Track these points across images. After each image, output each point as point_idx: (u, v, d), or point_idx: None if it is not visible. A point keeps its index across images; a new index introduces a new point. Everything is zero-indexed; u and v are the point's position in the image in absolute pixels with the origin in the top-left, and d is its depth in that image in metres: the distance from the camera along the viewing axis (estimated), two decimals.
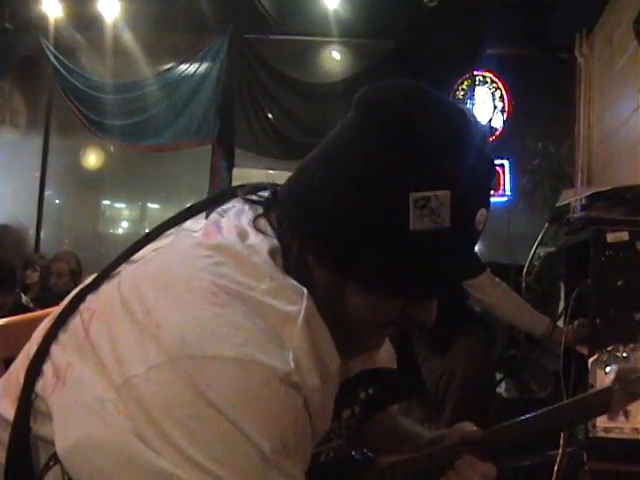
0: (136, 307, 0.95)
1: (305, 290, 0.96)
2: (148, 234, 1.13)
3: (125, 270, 1.07)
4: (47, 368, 1.03)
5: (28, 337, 1.33)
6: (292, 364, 0.89)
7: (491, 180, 1.04)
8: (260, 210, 1.08)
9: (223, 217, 1.08)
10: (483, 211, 1.01)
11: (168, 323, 0.91)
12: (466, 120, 1.02)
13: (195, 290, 0.93)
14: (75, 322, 1.06)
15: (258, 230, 1.04)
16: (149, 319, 0.93)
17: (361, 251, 0.99)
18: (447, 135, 0.99)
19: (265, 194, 1.12)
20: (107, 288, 1.07)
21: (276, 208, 1.07)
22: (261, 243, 1.01)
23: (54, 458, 0.96)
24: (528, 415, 1.23)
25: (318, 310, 0.97)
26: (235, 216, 1.08)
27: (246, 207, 1.10)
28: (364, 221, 0.98)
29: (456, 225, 0.97)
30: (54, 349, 1.05)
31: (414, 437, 1.35)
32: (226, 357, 0.88)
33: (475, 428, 1.25)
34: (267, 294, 0.94)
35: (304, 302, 0.95)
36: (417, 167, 0.97)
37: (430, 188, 0.95)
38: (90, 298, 1.07)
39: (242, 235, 1.03)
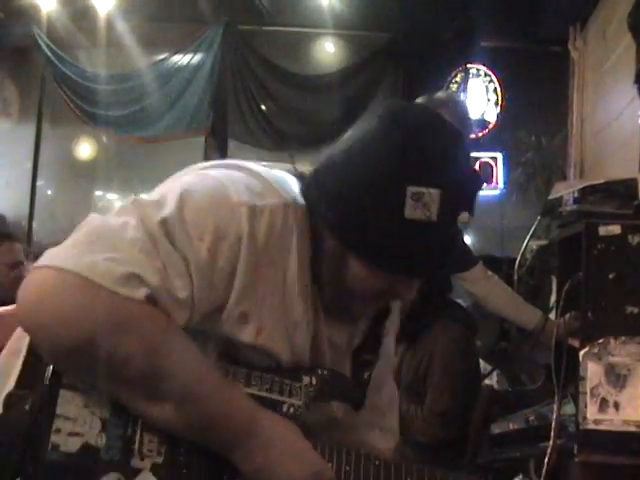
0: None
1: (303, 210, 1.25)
2: None
3: None
4: None
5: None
6: (251, 207, 1.17)
7: (475, 191, 1.27)
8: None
9: None
10: (465, 214, 1.23)
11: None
12: (462, 141, 1.27)
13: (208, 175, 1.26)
14: None
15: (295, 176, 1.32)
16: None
17: (364, 229, 1.21)
18: (445, 149, 1.23)
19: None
20: None
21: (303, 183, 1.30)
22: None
23: None
24: None
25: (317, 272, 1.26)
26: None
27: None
28: (370, 205, 1.19)
29: (442, 220, 1.19)
30: None
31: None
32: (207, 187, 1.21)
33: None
34: (276, 184, 1.25)
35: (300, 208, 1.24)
36: (417, 167, 1.19)
37: (425, 185, 1.17)
38: None
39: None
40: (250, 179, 1.24)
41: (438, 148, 1.22)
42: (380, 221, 1.19)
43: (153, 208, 1.15)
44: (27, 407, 1.11)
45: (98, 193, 8.53)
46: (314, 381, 1.28)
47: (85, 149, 8.09)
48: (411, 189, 1.17)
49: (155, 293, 1.09)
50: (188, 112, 7.14)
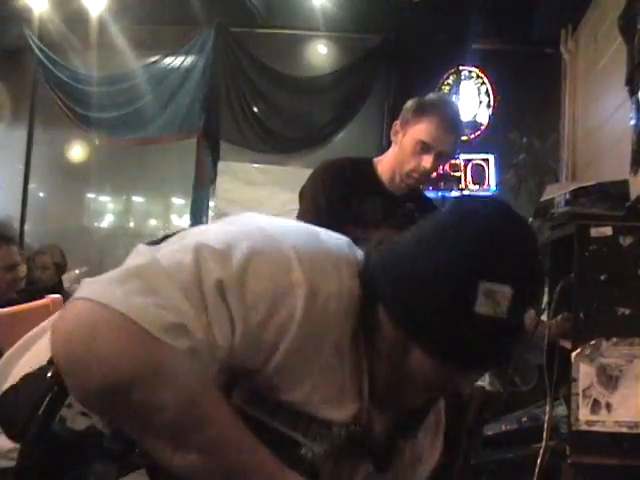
0: None
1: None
2: None
3: None
4: None
5: (18, 329, 1.34)
6: (310, 288, 1.16)
7: (542, 287, 1.29)
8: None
9: None
10: (532, 311, 1.26)
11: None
12: (534, 237, 1.28)
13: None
14: None
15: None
16: None
17: (431, 321, 1.19)
18: (520, 246, 1.22)
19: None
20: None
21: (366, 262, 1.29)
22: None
23: None
24: None
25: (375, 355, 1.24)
26: None
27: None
28: (440, 297, 1.18)
29: (511, 317, 1.18)
30: None
31: None
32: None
33: None
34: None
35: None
36: (492, 264, 1.19)
37: (499, 282, 1.17)
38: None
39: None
40: (317, 251, 1.23)
41: (513, 245, 1.21)
42: (448, 314, 1.18)
43: (215, 262, 1.13)
44: (49, 374, 1.13)
45: (90, 195, 8.49)
46: (343, 433, 1.25)
47: (77, 151, 8.07)
48: (484, 285, 1.16)
49: (197, 346, 1.08)
50: (180, 114, 7.13)
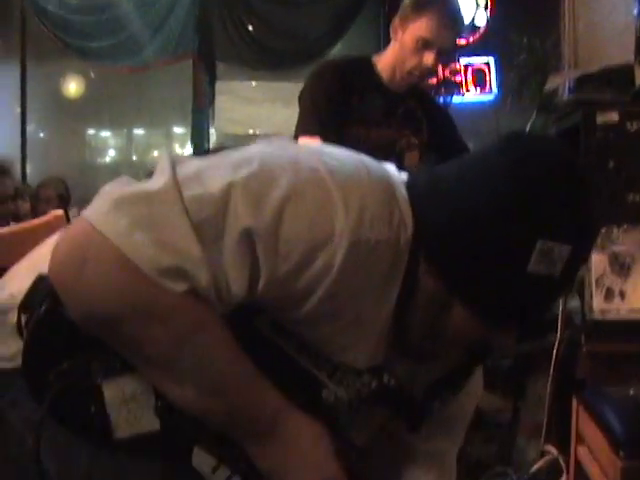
0: None
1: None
2: None
3: None
4: None
5: (21, 247, 1.33)
6: (354, 242, 1.05)
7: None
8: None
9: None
10: (582, 269, 1.16)
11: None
12: (591, 189, 1.15)
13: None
14: None
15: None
16: None
17: (478, 277, 1.10)
18: (581, 202, 1.11)
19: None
20: None
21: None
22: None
23: None
24: None
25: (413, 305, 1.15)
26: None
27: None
28: (490, 252, 1.09)
29: (564, 277, 1.09)
30: None
31: None
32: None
33: None
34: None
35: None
36: (554, 220, 1.08)
37: (558, 241, 1.07)
38: None
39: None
40: (368, 190, 1.10)
41: (577, 200, 1.11)
42: (498, 272, 1.09)
43: (246, 205, 1.02)
44: None
45: (90, 132, 8.45)
46: (374, 384, 1.19)
47: (72, 86, 7.98)
48: (542, 243, 1.06)
49: (198, 289, 1.01)
50: (173, 37, 7.04)
